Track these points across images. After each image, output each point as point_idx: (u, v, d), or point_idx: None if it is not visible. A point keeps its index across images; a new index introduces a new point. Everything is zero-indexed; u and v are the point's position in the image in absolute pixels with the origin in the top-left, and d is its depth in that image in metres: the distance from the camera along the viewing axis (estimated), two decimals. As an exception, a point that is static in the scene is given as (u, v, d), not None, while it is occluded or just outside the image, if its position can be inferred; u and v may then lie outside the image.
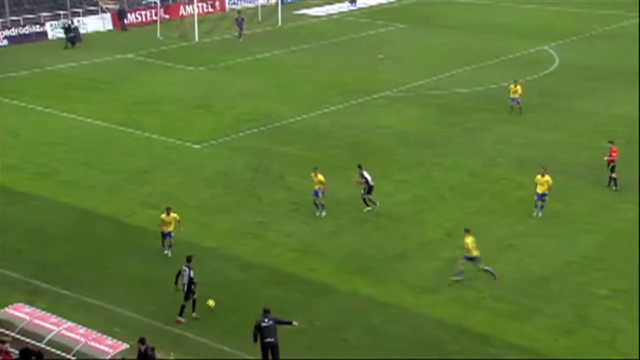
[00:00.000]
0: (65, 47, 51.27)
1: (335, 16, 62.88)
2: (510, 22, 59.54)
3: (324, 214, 27.44)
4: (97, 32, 56.34)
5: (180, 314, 21.33)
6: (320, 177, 27.30)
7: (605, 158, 29.74)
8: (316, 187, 27.37)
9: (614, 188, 29.38)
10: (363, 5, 66.81)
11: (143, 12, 59.57)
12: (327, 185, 27.47)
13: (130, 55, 50.08)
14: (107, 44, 52.94)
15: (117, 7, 58.63)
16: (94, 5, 59.14)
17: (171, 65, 47.79)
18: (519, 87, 37.42)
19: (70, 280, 23.48)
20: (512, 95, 37.41)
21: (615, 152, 29.51)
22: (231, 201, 28.90)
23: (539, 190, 27.25)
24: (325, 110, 38.87)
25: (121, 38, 55.12)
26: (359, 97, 41.03)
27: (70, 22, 53.18)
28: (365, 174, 27.98)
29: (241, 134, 35.82)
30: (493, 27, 57.54)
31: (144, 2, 60.95)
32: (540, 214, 27.28)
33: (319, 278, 23.64)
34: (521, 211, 27.69)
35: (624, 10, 61.87)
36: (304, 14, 63.43)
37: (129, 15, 58.31)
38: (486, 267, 23.28)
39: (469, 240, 23.24)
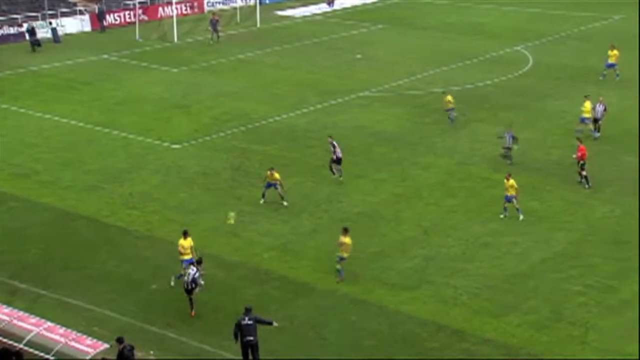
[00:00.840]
0: (33, 50, 50.42)
1: (314, 17, 62.88)
2: (486, 23, 59.89)
3: (285, 203, 27.91)
4: (76, 33, 55.92)
5: (192, 308, 21.44)
6: (277, 175, 28.02)
7: (574, 156, 30.12)
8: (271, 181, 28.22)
9: (586, 186, 29.64)
10: (344, 6, 66.85)
11: (122, 14, 59.17)
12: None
13: (109, 56, 49.75)
14: (86, 45, 52.56)
15: (95, 7, 58.23)
16: (73, 7, 58.66)
17: (150, 66, 47.55)
18: (449, 97, 36.64)
19: (50, 280, 23.30)
20: (445, 107, 36.71)
21: (582, 150, 29.77)
22: (211, 201, 28.82)
23: (507, 193, 27.35)
24: (304, 110, 38.87)
25: (100, 39, 54.75)
26: (338, 97, 41.07)
27: (34, 25, 52.25)
28: (335, 144, 29.85)
29: (220, 134, 35.73)
30: (469, 28, 57.84)
31: (122, 3, 60.55)
32: (503, 216, 27.28)
33: (298, 276, 23.64)
34: (496, 209, 27.85)
35: (596, 12, 62.51)
36: (282, 15, 63.37)
37: (107, 16, 57.89)
38: (340, 268, 23.12)
39: (347, 240, 23.01)
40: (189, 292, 21.37)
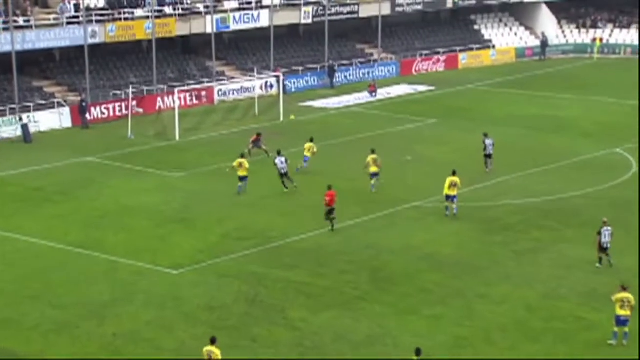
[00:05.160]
0: None
1: (351, 109, 64.00)
2: (572, 117, 60.30)
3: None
4: (53, 130, 57.24)
5: None
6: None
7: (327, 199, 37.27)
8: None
9: (332, 227, 37.65)
10: (390, 96, 68.00)
11: (110, 106, 60.47)
12: None
13: (92, 159, 50.71)
14: (64, 145, 53.67)
15: (77, 98, 59.72)
16: (50, 98, 60.15)
17: (144, 170, 48.30)
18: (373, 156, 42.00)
19: None
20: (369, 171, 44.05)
21: (330, 195, 37.66)
22: (219, 342, 28.51)
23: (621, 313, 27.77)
24: (338, 225, 38.91)
25: (82, 137, 55.96)
26: (381, 208, 41.17)
27: None
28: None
29: (231, 256, 35.79)
30: (550, 123, 58.26)
31: (111, 93, 62.04)
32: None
33: None
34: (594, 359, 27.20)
35: None
36: (311, 107, 64.61)
37: (92, 109, 59.16)
38: None
39: None
40: None
